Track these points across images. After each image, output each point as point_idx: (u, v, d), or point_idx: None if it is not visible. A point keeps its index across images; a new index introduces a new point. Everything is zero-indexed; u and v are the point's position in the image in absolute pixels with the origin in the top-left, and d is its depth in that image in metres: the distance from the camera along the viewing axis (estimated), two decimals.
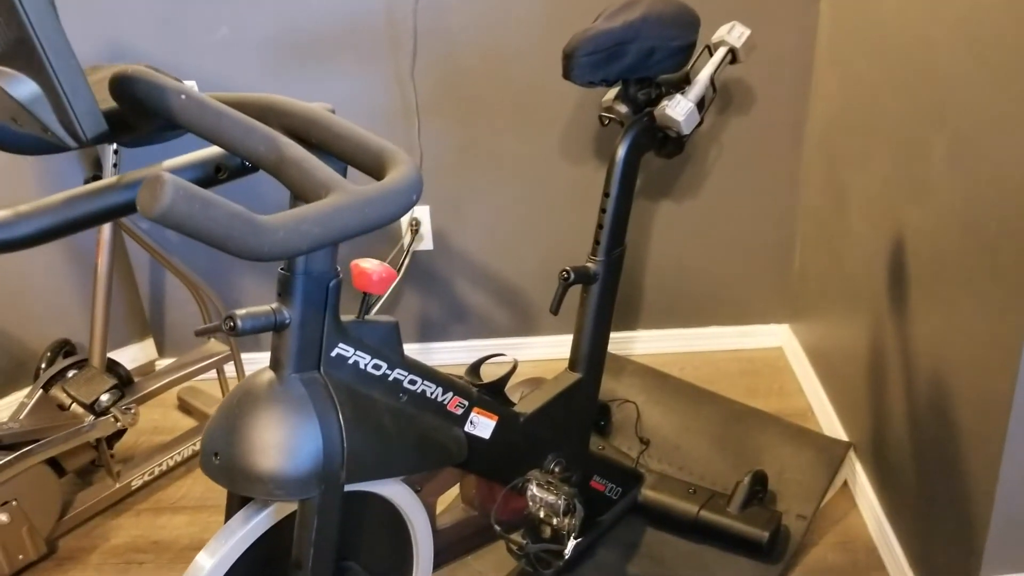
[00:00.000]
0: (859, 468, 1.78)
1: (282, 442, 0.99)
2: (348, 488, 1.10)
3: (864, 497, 1.74)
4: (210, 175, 0.96)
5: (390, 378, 1.13)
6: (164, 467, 1.91)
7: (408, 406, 1.17)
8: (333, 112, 0.93)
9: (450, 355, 2.31)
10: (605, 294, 1.49)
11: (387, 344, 1.13)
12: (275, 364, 1.03)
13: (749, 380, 2.20)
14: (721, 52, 1.51)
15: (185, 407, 2.18)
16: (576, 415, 1.51)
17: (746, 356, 2.30)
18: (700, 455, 1.87)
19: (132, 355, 2.33)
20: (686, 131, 1.43)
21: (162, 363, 2.34)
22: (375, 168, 0.82)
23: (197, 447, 1.96)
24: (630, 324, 2.31)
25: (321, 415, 1.02)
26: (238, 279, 2.22)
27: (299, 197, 0.79)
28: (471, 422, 1.28)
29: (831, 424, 1.94)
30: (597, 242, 1.47)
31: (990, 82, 1.20)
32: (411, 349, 2.31)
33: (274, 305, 1.00)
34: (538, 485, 1.31)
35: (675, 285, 2.25)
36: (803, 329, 2.18)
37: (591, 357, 1.51)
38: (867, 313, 1.72)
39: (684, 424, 1.95)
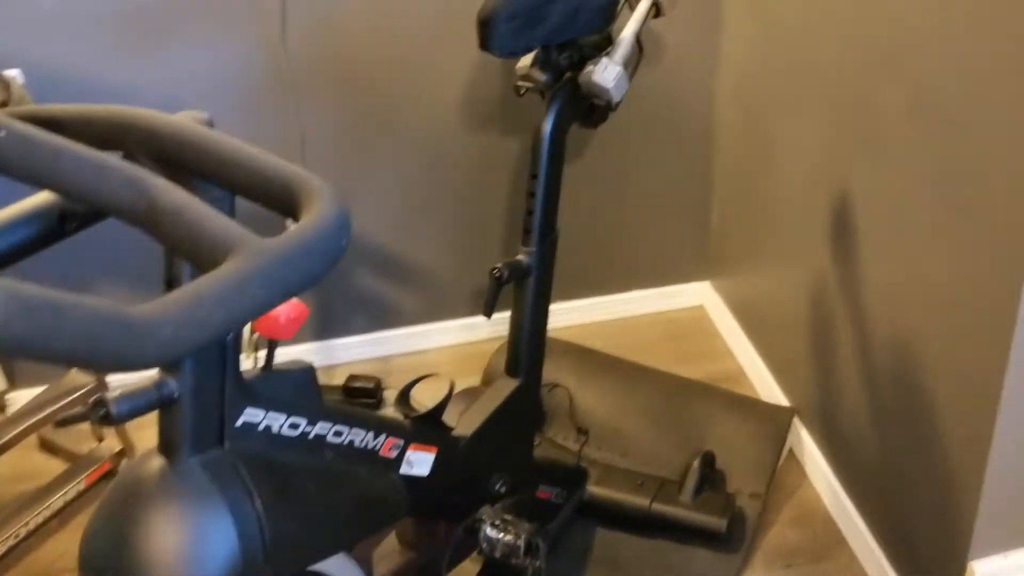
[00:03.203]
0: (805, 435, 1.69)
1: (186, 551, 0.77)
2: None
3: (814, 466, 1.65)
4: (53, 228, 0.71)
5: (311, 435, 0.92)
6: (31, 526, 1.63)
7: (336, 463, 0.96)
8: (210, 123, 0.70)
9: (354, 351, 2.09)
10: (541, 287, 1.32)
11: (303, 394, 0.92)
12: (166, 448, 0.81)
13: (675, 344, 2.08)
14: (644, 5, 1.33)
15: (49, 447, 1.88)
16: (519, 426, 1.34)
17: (669, 317, 2.18)
18: (642, 437, 1.75)
19: None
20: (617, 98, 1.25)
21: (14, 395, 2.00)
22: (283, 202, 0.61)
23: (70, 495, 1.69)
24: None
25: (233, 505, 0.80)
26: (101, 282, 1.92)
27: (185, 259, 0.56)
28: (407, 462, 1.09)
29: (768, 387, 1.84)
30: (527, 231, 1.28)
31: (960, 29, 1.07)
32: (309, 348, 2.07)
33: (156, 377, 0.77)
34: (492, 525, 1.13)
35: (589, 251, 2.10)
36: (725, 285, 2.07)
37: (531, 358, 1.34)
38: (803, 268, 1.61)
39: (621, 405, 1.81)
